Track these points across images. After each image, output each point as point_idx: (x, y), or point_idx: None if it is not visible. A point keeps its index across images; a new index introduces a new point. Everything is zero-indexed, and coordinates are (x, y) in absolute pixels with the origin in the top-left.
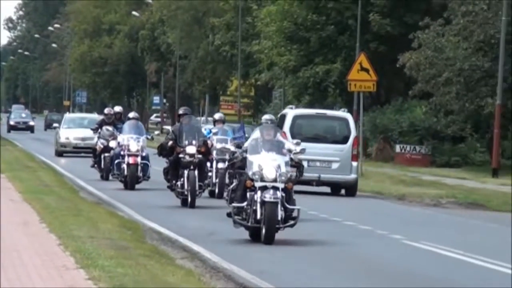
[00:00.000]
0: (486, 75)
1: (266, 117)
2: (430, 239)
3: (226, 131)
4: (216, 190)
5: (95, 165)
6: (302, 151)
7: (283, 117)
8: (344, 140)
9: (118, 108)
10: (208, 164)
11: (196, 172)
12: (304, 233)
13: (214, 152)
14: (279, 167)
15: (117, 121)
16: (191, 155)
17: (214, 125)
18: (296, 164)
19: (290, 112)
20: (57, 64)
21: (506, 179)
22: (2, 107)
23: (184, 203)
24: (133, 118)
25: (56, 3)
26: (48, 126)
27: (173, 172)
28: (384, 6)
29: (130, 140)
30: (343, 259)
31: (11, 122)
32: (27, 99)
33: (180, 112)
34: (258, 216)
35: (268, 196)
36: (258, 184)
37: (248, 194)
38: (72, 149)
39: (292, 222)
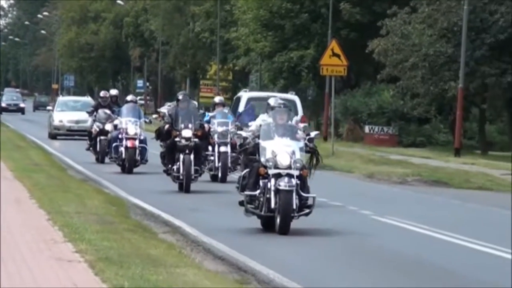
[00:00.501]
0: (449, 60)
1: (278, 101)
2: (397, 215)
3: (226, 114)
4: (219, 174)
5: (91, 148)
6: (317, 136)
7: (238, 99)
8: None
9: (114, 91)
10: (210, 148)
11: (192, 156)
12: None
13: (216, 136)
14: (293, 153)
15: (112, 104)
16: (187, 139)
17: (214, 108)
18: (311, 150)
19: (244, 95)
20: (46, 50)
21: (468, 158)
22: None
23: (181, 188)
24: (131, 101)
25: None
26: (37, 107)
27: (169, 156)
28: None
29: (128, 123)
30: (317, 232)
31: (3, 104)
32: (18, 83)
33: (179, 97)
34: (272, 205)
35: (283, 184)
36: (271, 171)
37: (261, 182)
38: (66, 132)
39: (307, 210)
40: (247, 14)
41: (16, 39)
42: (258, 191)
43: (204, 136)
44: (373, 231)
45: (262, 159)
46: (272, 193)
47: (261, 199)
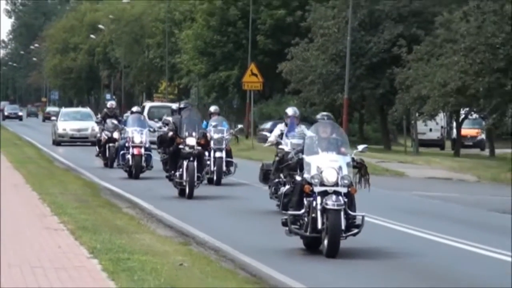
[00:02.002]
0: (337, 77)
1: (322, 113)
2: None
3: (222, 122)
4: (215, 178)
5: (100, 154)
6: (364, 150)
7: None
8: None
9: (110, 103)
10: (206, 153)
11: (195, 163)
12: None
13: (212, 142)
14: (340, 168)
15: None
16: (191, 147)
17: (210, 117)
18: (359, 165)
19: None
20: (37, 72)
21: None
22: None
23: (182, 193)
24: (136, 112)
25: (36, 29)
26: (29, 115)
27: (172, 162)
28: (267, 30)
29: (134, 132)
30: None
31: (6, 113)
32: (15, 97)
33: (181, 105)
34: (319, 225)
35: (331, 202)
36: (317, 188)
37: (305, 200)
38: (69, 139)
39: (355, 230)
40: (187, 44)
41: (14, 64)
42: (302, 210)
43: (207, 144)
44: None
45: (307, 176)
46: (319, 212)
47: (306, 218)
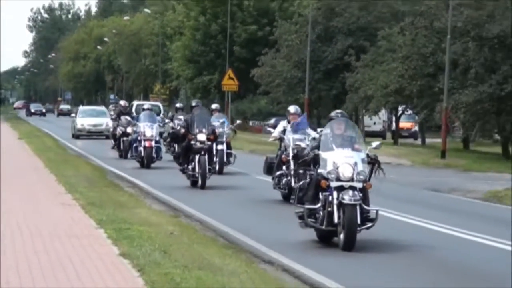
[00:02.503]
0: (299, 81)
1: (336, 110)
2: None
3: (222, 118)
4: (217, 167)
5: (115, 147)
6: (378, 146)
7: (132, 105)
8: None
9: (122, 102)
10: None
11: (206, 157)
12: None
13: None
14: (355, 164)
15: (124, 110)
16: (202, 142)
17: (212, 113)
18: (373, 160)
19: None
20: (53, 77)
21: None
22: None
23: (194, 184)
24: (147, 109)
25: (52, 41)
26: (47, 111)
27: (184, 156)
28: (241, 42)
29: (145, 127)
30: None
31: (32, 110)
32: (36, 97)
33: (193, 104)
34: (335, 219)
35: (348, 197)
36: (334, 184)
37: (321, 195)
38: (87, 133)
39: (370, 224)
40: (177, 54)
41: (35, 70)
42: (318, 204)
43: (215, 140)
44: None
45: (323, 171)
46: (335, 207)
47: (321, 212)
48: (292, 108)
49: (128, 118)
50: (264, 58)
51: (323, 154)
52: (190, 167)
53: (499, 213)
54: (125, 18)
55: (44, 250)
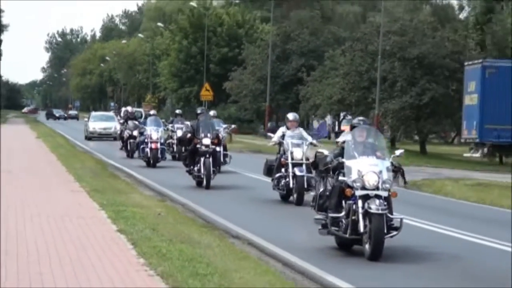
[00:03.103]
0: (262, 92)
1: (358, 117)
2: None
3: (219, 123)
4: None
5: (123, 148)
6: (401, 154)
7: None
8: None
9: (129, 108)
10: None
11: (210, 159)
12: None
13: None
14: (380, 172)
15: (130, 115)
16: (206, 146)
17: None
18: (396, 169)
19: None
20: (65, 88)
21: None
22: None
23: (199, 184)
24: (153, 115)
25: (65, 60)
26: (60, 116)
27: (190, 159)
28: (216, 60)
29: (152, 130)
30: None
31: (57, 115)
32: (51, 105)
33: (198, 111)
34: (361, 229)
35: (374, 207)
36: (359, 192)
37: (344, 203)
38: (97, 135)
39: (394, 232)
40: (164, 70)
41: (50, 83)
42: (342, 213)
43: (219, 143)
44: None
45: (347, 179)
46: (360, 215)
47: (345, 220)
48: (290, 116)
49: (136, 122)
50: (233, 74)
51: (347, 162)
52: (196, 168)
53: (419, 198)
54: (123, 41)
55: (57, 228)
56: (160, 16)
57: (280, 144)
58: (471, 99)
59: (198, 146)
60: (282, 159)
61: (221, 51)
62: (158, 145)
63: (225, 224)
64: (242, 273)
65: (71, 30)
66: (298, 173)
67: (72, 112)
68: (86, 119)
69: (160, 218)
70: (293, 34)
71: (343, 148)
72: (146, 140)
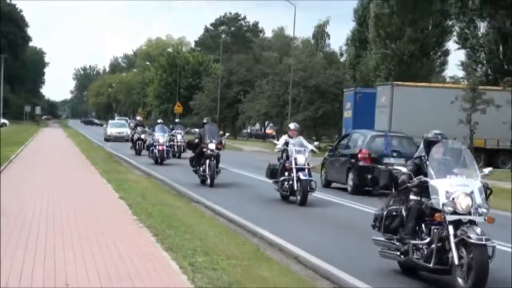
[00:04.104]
0: (214, 108)
1: (434, 131)
2: None
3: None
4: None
5: (133, 148)
6: (490, 173)
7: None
8: None
9: (138, 118)
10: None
11: (214, 161)
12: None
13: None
14: (472, 194)
15: (140, 122)
16: (211, 150)
17: (204, 126)
18: (487, 190)
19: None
20: (86, 105)
21: None
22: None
23: (203, 182)
24: (160, 123)
25: (85, 86)
26: (82, 122)
27: (197, 160)
28: (185, 87)
29: (159, 136)
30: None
31: (95, 121)
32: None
33: (204, 121)
34: (456, 260)
35: (475, 236)
36: (450, 217)
37: (425, 228)
38: (113, 138)
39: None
40: (151, 93)
41: (76, 101)
42: (427, 239)
43: (222, 148)
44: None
45: (433, 201)
46: (453, 244)
47: (426, 247)
48: (292, 125)
49: (144, 128)
50: (196, 96)
51: (432, 182)
52: (201, 169)
53: None
54: (123, 74)
55: (77, 195)
56: (148, 57)
57: (284, 151)
58: (347, 113)
59: (204, 150)
60: (287, 165)
61: (188, 81)
62: (164, 147)
63: (189, 193)
64: (202, 226)
65: (90, 66)
66: (302, 177)
67: (87, 119)
68: (105, 126)
69: (147, 189)
70: (234, 70)
71: (416, 165)
72: (154, 143)
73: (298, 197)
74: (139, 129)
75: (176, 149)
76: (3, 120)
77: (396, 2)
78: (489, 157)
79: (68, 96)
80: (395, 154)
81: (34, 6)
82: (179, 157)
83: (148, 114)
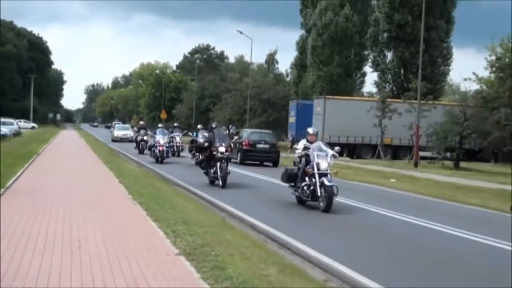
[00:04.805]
0: (190, 115)
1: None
2: None
3: (203, 133)
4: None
5: (136, 148)
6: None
7: (140, 124)
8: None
9: (142, 122)
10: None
11: (225, 164)
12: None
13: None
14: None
15: (144, 126)
16: (222, 153)
17: (198, 130)
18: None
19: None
20: (93, 113)
21: None
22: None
23: (212, 183)
24: (160, 127)
25: (93, 99)
26: (91, 125)
27: (207, 163)
28: (169, 100)
29: (160, 138)
30: None
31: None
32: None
33: (213, 125)
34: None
35: (327, 182)
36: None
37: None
38: (119, 139)
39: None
40: (142, 104)
41: (86, 110)
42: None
43: (231, 151)
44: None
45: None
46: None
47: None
48: (311, 130)
49: (146, 131)
50: (177, 106)
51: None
52: (212, 171)
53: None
54: (122, 89)
55: (89, 180)
56: (140, 77)
57: (306, 155)
58: (292, 119)
59: (214, 153)
60: (309, 170)
61: (171, 95)
62: (164, 147)
63: (171, 178)
64: (181, 203)
65: (97, 83)
66: (327, 182)
67: (93, 123)
68: (112, 129)
69: (140, 175)
70: (206, 87)
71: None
72: (156, 144)
73: (322, 203)
74: (142, 131)
75: (175, 149)
76: (32, 124)
77: (327, 37)
78: (393, 151)
79: (81, 106)
80: (263, 142)
81: (55, 38)
82: (178, 155)
83: (140, 119)
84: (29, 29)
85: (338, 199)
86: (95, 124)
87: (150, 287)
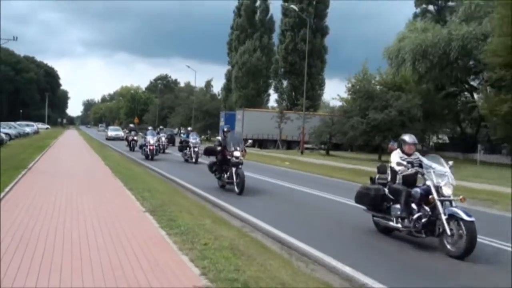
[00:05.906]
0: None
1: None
2: None
3: (194, 135)
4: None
5: (127, 146)
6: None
7: (130, 126)
8: None
9: (131, 125)
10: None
11: (242, 169)
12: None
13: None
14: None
15: (135, 128)
16: (237, 157)
17: (189, 132)
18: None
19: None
20: (89, 119)
21: None
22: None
23: (222, 187)
24: (150, 129)
25: (88, 109)
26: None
27: (220, 168)
28: (140, 112)
29: (150, 138)
30: None
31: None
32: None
33: (225, 129)
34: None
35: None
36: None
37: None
38: (112, 138)
39: None
40: (124, 114)
41: (84, 117)
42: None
43: (244, 155)
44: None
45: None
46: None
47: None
48: (409, 138)
49: (138, 132)
50: (146, 114)
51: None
52: (225, 175)
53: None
54: (108, 103)
55: (84, 163)
56: (120, 95)
57: (417, 173)
58: (222, 123)
59: (229, 157)
60: (430, 197)
61: (141, 107)
62: (154, 147)
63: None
64: (148, 179)
65: (90, 99)
66: (465, 217)
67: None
68: (106, 130)
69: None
70: (165, 101)
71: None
72: (146, 144)
73: (453, 245)
74: (133, 132)
75: (160, 147)
76: (47, 126)
77: (245, 71)
78: (288, 144)
79: (79, 113)
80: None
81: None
82: (163, 152)
83: (120, 124)
84: (45, 62)
85: (251, 175)
86: (89, 126)
87: (124, 233)
